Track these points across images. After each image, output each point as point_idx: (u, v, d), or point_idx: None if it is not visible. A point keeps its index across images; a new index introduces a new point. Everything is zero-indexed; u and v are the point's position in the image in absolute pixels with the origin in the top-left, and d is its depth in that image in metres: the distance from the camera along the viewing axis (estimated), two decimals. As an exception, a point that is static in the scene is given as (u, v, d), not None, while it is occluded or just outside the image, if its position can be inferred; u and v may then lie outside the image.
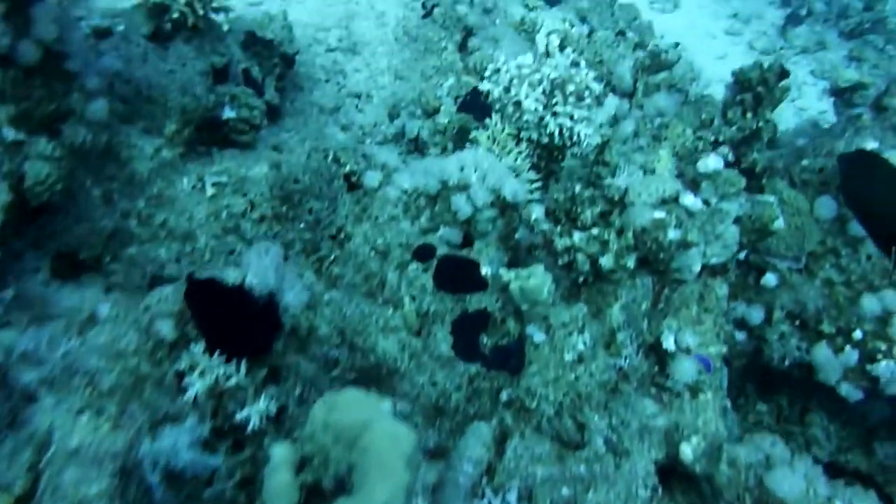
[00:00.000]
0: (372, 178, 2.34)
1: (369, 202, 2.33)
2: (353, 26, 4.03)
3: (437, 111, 3.48)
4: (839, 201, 2.35)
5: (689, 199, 2.02)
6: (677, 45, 7.32)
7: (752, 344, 2.57)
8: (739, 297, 2.58)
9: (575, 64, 2.55)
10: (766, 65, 2.65)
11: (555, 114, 2.60)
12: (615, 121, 3.53)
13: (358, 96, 3.79)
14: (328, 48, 3.89)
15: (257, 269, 1.43)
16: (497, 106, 2.66)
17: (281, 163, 2.38)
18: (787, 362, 2.50)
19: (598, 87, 2.57)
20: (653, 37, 6.81)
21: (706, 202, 2.09)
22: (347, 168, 2.36)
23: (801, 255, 2.41)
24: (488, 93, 2.65)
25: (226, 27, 3.09)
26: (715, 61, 7.38)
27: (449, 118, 3.39)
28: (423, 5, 4.08)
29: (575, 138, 2.62)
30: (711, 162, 2.08)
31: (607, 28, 6.08)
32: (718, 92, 6.26)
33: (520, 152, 2.69)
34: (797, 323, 2.45)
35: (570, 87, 2.53)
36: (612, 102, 3.59)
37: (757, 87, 2.67)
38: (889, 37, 6.95)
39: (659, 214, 2.02)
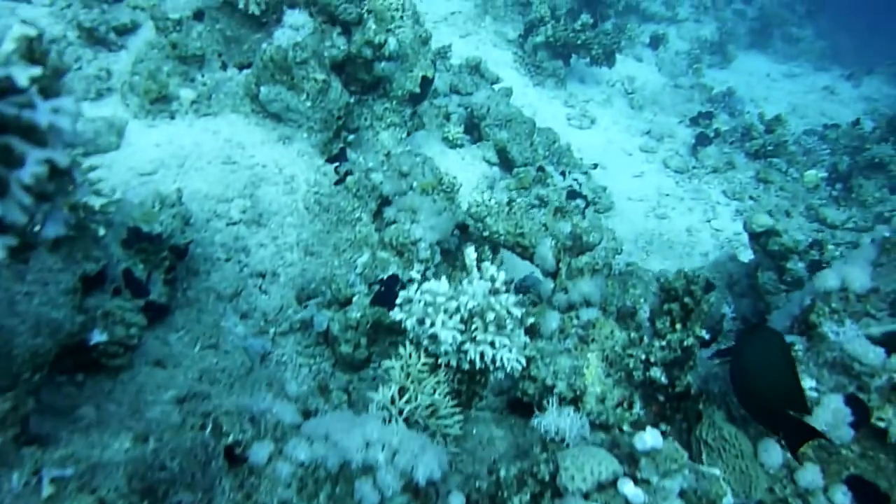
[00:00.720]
0: (260, 452, 1.95)
1: (255, 485, 1.93)
2: (259, 193, 3.73)
3: (349, 301, 3.17)
4: (782, 445, 2.17)
5: (630, 489, 1.76)
6: (595, 165, 7.49)
7: None
8: (687, 540, 2.31)
9: (495, 291, 2.32)
10: (689, 275, 2.51)
11: (474, 340, 2.34)
12: (539, 299, 3.34)
13: (262, 275, 3.43)
14: (230, 221, 3.54)
15: None
16: (411, 336, 2.38)
17: (149, 434, 1.96)
18: None
19: (519, 312, 2.35)
20: (572, 158, 6.93)
21: (646, 481, 1.83)
22: (231, 439, 1.97)
23: (750, 502, 2.19)
24: (401, 321, 2.37)
25: (102, 231, 2.71)
26: (632, 180, 7.57)
27: (362, 312, 3.08)
28: (336, 170, 3.86)
29: (498, 363, 2.36)
30: (649, 439, 1.84)
31: (527, 159, 6.11)
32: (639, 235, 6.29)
33: (438, 382, 2.40)
34: (752, 580, 2.19)
35: (490, 316, 2.29)
36: (534, 275, 3.40)
37: (683, 298, 2.52)
38: (790, 158, 7.37)
39: (596, 508, 1.73)
